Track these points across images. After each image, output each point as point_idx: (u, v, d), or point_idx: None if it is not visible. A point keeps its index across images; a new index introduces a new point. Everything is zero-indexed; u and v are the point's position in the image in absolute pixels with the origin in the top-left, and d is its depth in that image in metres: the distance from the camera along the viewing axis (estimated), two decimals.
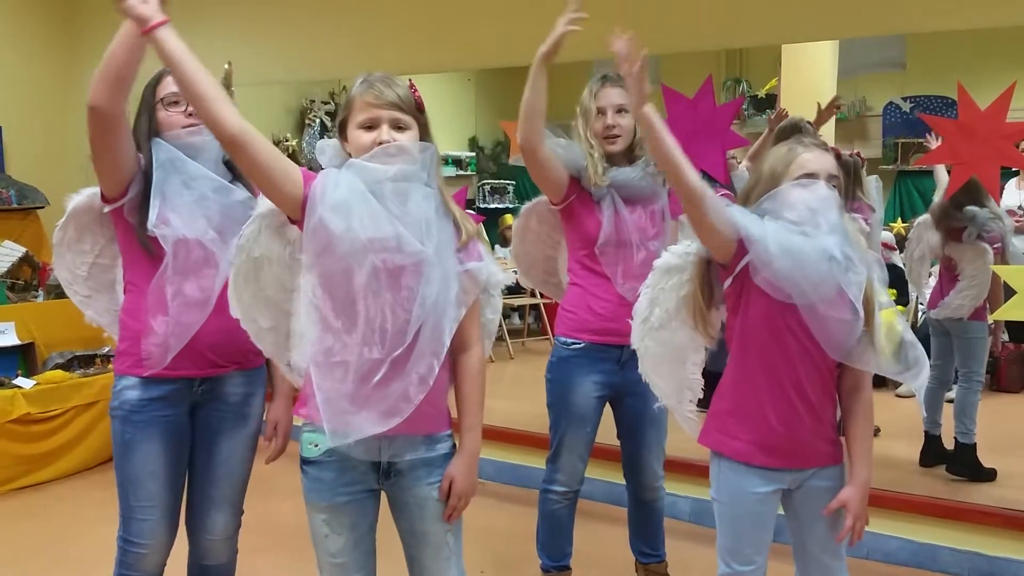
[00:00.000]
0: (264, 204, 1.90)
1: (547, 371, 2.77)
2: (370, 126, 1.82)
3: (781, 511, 2.13)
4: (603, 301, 2.68)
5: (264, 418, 2.38)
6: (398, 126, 1.83)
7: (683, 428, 2.25)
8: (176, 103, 2.16)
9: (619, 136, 2.66)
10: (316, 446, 1.84)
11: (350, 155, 1.85)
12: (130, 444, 2.15)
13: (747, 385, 2.02)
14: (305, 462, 1.87)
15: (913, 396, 4.25)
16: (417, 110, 1.86)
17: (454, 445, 1.92)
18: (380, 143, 1.80)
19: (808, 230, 1.92)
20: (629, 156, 2.70)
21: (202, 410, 2.24)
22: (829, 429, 2.05)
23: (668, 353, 2.17)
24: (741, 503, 2.05)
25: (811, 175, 1.97)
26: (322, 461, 1.84)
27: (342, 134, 1.88)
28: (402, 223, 1.77)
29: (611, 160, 2.68)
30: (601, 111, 2.66)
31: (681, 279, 2.10)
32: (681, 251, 2.13)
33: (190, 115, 2.13)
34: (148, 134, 2.17)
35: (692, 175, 1.92)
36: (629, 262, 2.66)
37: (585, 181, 2.66)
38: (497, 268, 1.96)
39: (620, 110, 2.65)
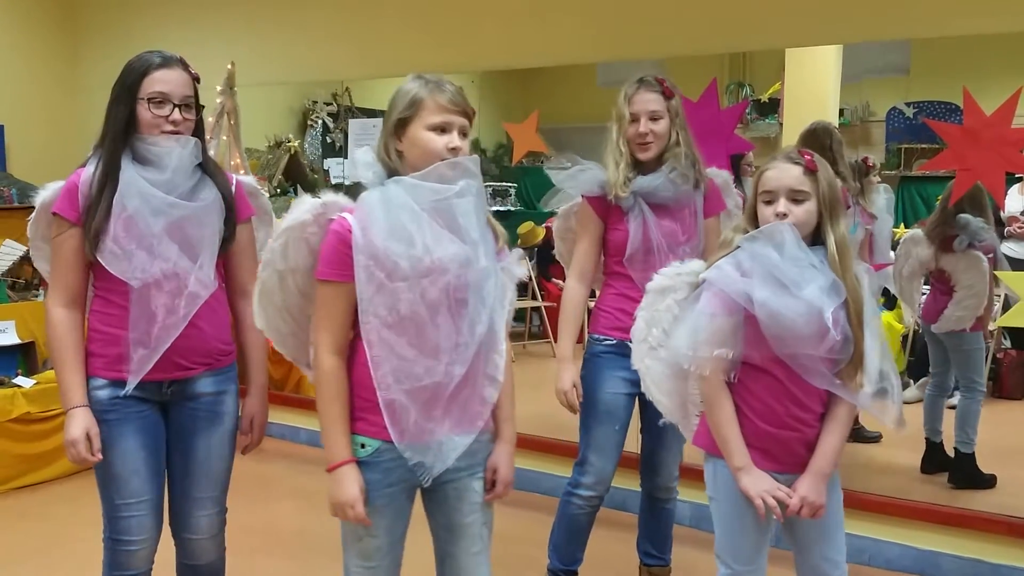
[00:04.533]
0: (289, 217, 1.90)
1: (581, 369, 2.77)
2: (443, 129, 1.82)
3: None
4: (635, 303, 2.66)
5: (239, 413, 2.35)
6: (463, 132, 1.85)
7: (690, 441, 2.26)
8: (162, 103, 2.10)
9: (652, 143, 2.63)
10: (364, 447, 1.84)
11: (400, 153, 1.85)
12: (107, 443, 2.13)
13: (744, 391, 2.03)
14: None
15: (916, 403, 4.26)
16: (473, 116, 1.89)
17: (491, 437, 1.96)
18: (452, 148, 1.81)
19: (790, 284, 1.93)
20: (658, 161, 2.66)
21: (174, 410, 2.23)
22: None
23: (669, 371, 2.17)
24: (740, 500, 2.04)
25: (770, 193, 2.00)
26: (369, 462, 1.84)
27: (397, 133, 1.86)
28: (465, 240, 1.80)
29: (640, 167, 2.66)
30: (635, 117, 2.63)
31: (675, 298, 2.13)
32: (672, 272, 2.18)
33: (172, 122, 2.10)
34: (123, 128, 2.11)
35: (721, 425, 2.03)
36: (657, 269, 2.64)
37: (610, 194, 2.65)
38: (517, 263, 2.00)
39: (654, 116, 2.62)
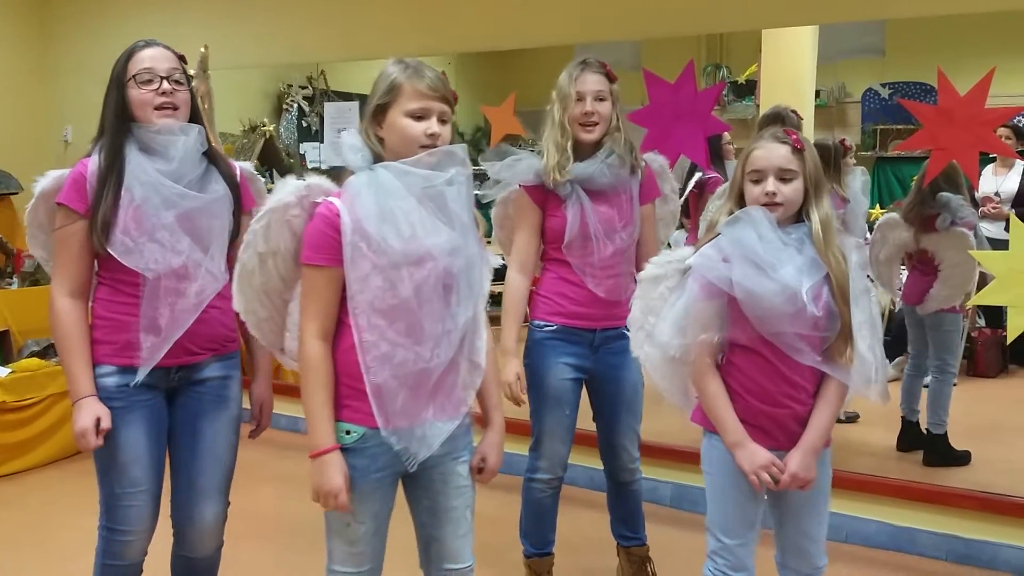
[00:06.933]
0: (273, 198, 1.88)
1: (524, 356, 2.76)
2: (420, 116, 1.81)
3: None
4: (575, 287, 2.68)
5: (246, 400, 2.36)
6: (443, 118, 1.84)
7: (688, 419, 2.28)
8: (149, 81, 2.10)
9: (597, 123, 2.62)
10: (349, 433, 1.84)
11: (381, 140, 1.85)
12: (112, 430, 2.11)
13: (735, 370, 2.06)
14: None
15: (892, 381, 4.29)
16: (454, 102, 1.88)
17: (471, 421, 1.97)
18: (431, 134, 1.80)
19: (766, 266, 1.96)
20: (596, 146, 2.65)
21: (180, 396, 2.22)
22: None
23: (668, 356, 2.18)
24: (732, 475, 2.07)
25: (758, 172, 2.03)
26: (355, 448, 1.84)
27: (377, 118, 1.85)
28: (452, 227, 1.80)
29: (579, 149, 2.65)
30: (580, 97, 2.61)
31: (667, 285, 2.14)
32: (663, 260, 2.19)
33: (163, 94, 2.10)
34: (118, 113, 2.12)
35: (712, 405, 2.06)
36: (595, 256, 2.65)
37: (547, 180, 2.63)
38: (491, 251, 2.01)
39: (599, 97, 2.61)
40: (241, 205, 2.24)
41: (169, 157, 2.09)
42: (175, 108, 2.12)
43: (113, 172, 2.07)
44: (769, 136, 2.06)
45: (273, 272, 1.93)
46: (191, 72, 4.51)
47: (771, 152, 2.02)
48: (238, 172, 2.27)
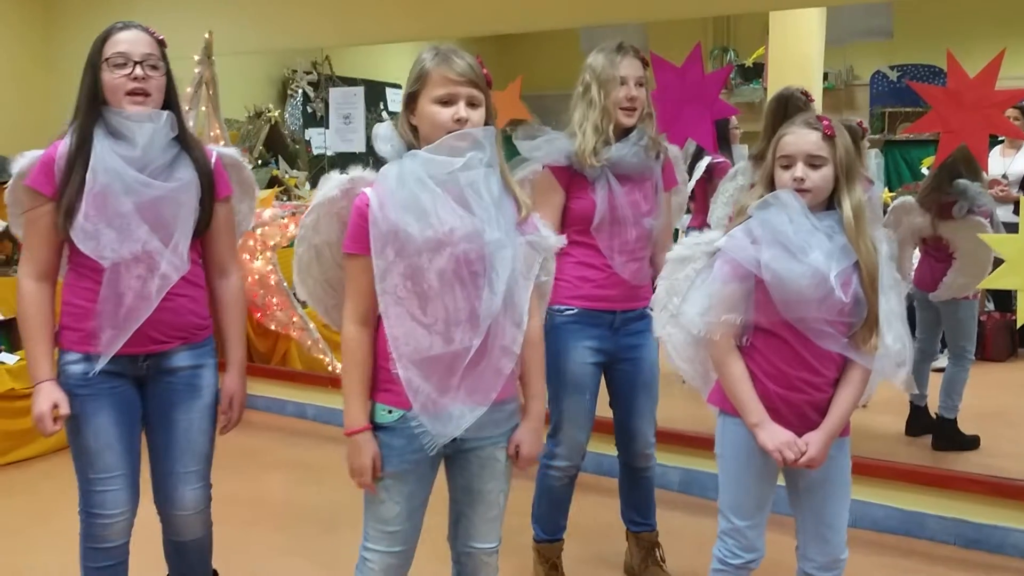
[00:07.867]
0: (319, 194, 1.95)
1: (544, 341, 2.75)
2: (447, 101, 1.83)
3: (782, 482, 2.17)
4: (595, 270, 2.67)
5: (219, 388, 2.33)
6: (472, 103, 1.85)
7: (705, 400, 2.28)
8: (122, 65, 2.06)
9: (636, 109, 2.62)
10: (390, 412, 1.87)
11: (415, 128, 1.87)
12: (80, 417, 2.11)
13: (755, 353, 2.07)
14: (376, 428, 1.89)
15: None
16: (487, 85, 1.89)
17: (518, 407, 1.98)
18: (458, 119, 1.82)
19: (795, 250, 1.97)
20: (627, 130, 2.64)
21: (151, 385, 2.20)
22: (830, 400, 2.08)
23: (690, 338, 2.20)
24: (745, 457, 2.09)
25: (788, 158, 2.02)
26: (395, 427, 1.87)
27: (410, 107, 1.88)
28: (474, 212, 1.81)
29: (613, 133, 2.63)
30: (624, 81, 2.60)
31: (694, 267, 2.16)
32: (691, 242, 2.21)
33: (135, 79, 2.06)
34: (90, 96, 2.09)
35: (733, 385, 2.05)
36: (623, 238, 2.65)
37: (577, 163, 2.62)
38: (550, 233, 2.00)
39: (639, 82, 2.62)
40: (214, 193, 2.19)
41: (134, 143, 2.06)
42: (147, 95, 2.09)
43: (80, 156, 2.05)
44: (800, 122, 2.06)
45: (331, 261, 2.01)
46: (195, 58, 4.54)
47: (801, 138, 2.02)
48: (213, 159, 2.23)
